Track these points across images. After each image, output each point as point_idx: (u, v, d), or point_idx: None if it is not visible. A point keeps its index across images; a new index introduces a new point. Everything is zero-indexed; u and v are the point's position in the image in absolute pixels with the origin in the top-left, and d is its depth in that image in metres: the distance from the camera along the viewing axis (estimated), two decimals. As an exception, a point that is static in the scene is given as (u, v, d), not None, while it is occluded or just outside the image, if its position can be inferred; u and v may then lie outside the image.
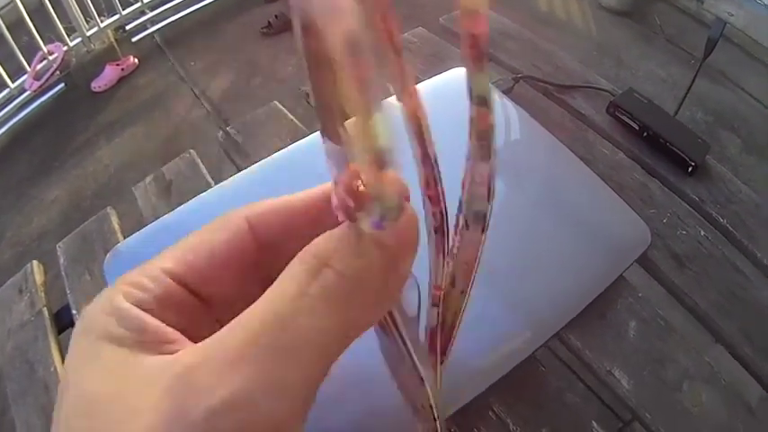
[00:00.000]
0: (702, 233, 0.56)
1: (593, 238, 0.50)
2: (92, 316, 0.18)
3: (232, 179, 0.56)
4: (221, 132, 0.69)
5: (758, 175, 1.85)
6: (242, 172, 0.56)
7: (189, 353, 0.16)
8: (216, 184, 0.58)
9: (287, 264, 0.17)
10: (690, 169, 0.61)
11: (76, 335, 0.18)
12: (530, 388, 0.44)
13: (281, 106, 0.71)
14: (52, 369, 0.53)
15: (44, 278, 0.60)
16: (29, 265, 0.61)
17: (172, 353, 0.17)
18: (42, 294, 0.58)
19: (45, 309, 0.57)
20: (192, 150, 0.68)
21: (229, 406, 0.15)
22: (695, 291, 0.52)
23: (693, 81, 1.35)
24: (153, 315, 0.18)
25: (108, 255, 0.51)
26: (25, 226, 1.94)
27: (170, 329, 0.18)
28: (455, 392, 0.41)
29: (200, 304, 0.20)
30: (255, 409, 0.15)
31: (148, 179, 0.66)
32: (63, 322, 0.56)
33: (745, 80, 2.17)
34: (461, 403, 0.41)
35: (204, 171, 0.65)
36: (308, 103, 0.72)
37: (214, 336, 0.16)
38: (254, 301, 0.17)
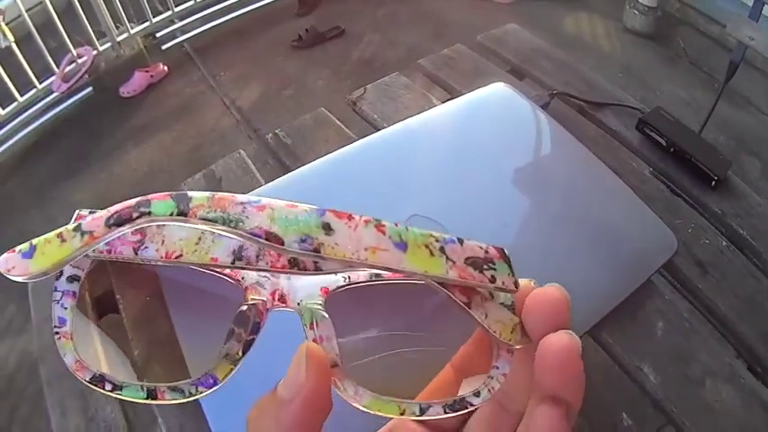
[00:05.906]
0: (724, 243, 0.60)
1: (624, 243, 0.53)
2: None
3: (282, 179, 0.57)
4: (270, 134, 0.73)
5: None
6: (292, 172, 0.58)
7: None
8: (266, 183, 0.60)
9: None
10: (713, 183, 0.64)
11: None
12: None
13: (327, 112, 0.75)
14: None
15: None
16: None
17: None
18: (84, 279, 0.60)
19: (86, 293, 0.59)
20: (242, 150, 0.71)
21: None
22: (717, 296, 0.56)
23: (716, 104, 1.37)
24: None
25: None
26: (49, 226, 1.95)
27: None
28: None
29: None
30: None
31: (198, 175, 0.68)
32: (104, 307, 0.59)
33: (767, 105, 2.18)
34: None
35: (254, 169, 0.68)
36: (355, 111, 0.76)
37: None
38: None
